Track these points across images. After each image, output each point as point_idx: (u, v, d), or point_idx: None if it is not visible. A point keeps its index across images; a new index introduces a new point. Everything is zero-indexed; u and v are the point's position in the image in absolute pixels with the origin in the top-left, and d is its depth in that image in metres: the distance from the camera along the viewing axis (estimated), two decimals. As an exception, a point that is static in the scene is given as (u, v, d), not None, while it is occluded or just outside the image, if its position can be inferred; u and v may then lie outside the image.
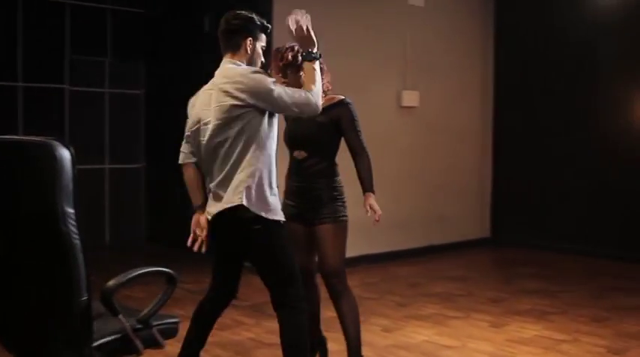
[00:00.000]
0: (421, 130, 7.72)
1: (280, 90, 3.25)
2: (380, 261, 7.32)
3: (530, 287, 6.22)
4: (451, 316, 5.31)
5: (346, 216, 3.86)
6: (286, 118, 3.86)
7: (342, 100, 3.83)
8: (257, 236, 3.32)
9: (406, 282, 6.53)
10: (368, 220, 6.56)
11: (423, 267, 7.18)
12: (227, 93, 3.23)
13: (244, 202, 3.25)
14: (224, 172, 3.31)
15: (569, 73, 7.72)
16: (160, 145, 7.99)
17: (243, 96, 3.21)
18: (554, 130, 7.83)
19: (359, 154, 3.81)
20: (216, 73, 3.40)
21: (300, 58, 3.55)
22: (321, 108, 3.36)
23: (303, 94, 3.28)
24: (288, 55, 3.70)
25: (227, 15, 3.44)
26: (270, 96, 3.22)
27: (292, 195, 3.83)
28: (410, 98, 7.54)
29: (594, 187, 7.51)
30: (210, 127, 3.30)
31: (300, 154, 3.80)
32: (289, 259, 3.40)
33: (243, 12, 3.43)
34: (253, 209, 3.26)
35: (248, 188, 3.27)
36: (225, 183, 3.31)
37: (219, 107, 3.25)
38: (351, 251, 6.82)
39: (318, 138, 3.79)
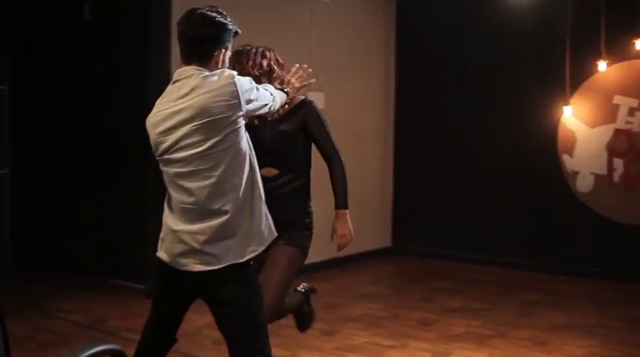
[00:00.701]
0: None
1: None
2: (320, 270, 6.73)
3: (454, 305, 5.88)
4: (386, 346, 4.84)
5: (308, 249, 3.29)
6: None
7: (304, 100, 3.30)
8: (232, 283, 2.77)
9: (323, 303, 5.95)
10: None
11: (333, 284, 6.64)
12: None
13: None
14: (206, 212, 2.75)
15: (475, 76, 7.47)
16: (29, 149, 6.95)
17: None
18: (457, 135, 7.56)
19: (333, 161, 3.33)
20: (181, 84, 2.75)
21: (274, 66, 3.26)
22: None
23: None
24: (262, 63, 3.11)
25: (193, 15, 2.78)
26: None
27: None
28: (315, 100, 6.97)
29: (497, 194, 7.32)
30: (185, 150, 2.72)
31: (269, 172, 3.17)
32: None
33: (214, 13, 2.79)
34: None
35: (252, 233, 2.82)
36: (213, 224, 2.74)
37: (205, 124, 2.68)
38: None
39: (288, 150, 3.21)
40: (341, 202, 3.31)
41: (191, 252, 2.74)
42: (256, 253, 2.78)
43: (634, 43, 6.49)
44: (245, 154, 2.75)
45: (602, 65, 6.66)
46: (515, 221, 7.25)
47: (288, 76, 3.31)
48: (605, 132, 6.76)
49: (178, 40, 2.83)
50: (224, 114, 2.66)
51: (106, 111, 6.57)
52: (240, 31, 2.88)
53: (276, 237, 3.00)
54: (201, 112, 2.66)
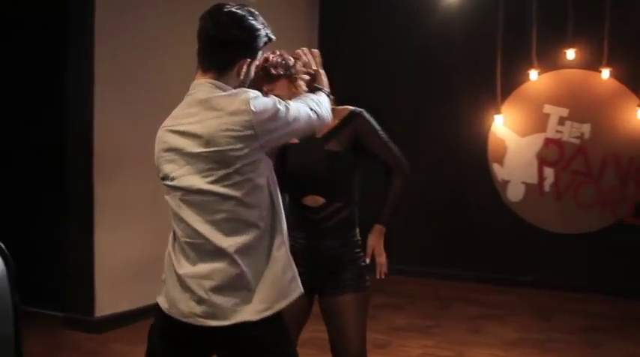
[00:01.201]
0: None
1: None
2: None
3: (399, 323, 5.63)
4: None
5: (369, 279, 2.90)
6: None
7: (352, 111, 2.84)
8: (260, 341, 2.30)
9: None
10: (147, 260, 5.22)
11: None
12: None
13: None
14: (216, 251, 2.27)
15: (404, 86, 7.28)
16: None
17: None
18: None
19: (394, 170, 2.86)
20: (192, 100, 2.31)
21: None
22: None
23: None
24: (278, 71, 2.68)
25: (220, 11, 2.31)
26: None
27: (294, 257, 2.76)
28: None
29: (428, 204, 7.14)
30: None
31: (314, 201, 2.73)
32: None
33: (245, 13, 2.32)
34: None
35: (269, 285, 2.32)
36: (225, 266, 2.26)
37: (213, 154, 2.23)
38: (140, 300, 5.70)
39: (336, 173, 2.76)
40: (385, 216, 2.86)
41: (195, 300, 2.28)
42: (272, 312, 2.27)
43: (565, 53, 6.50)
44: (263, 190, 2.29)
45: (533, 74, 6.63)
46: (446, 231, 7.11)
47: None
48: (536, 141, 6.74)
49: (198, 39, 2.37)
50: (232, 146, 2.18)
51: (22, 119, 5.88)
52: (274, 38, 2.42)
53: (335, 280, 2.66)
54: (209, 139, 2.20)
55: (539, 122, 6.72)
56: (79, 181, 5.24)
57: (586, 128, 6.57)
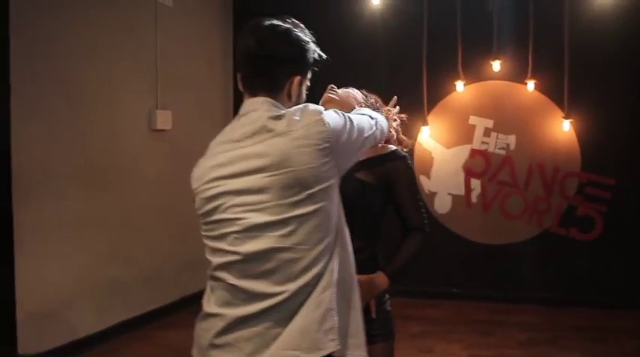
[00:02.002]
0: (172, 158, 6.31)
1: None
2: (140, 326, 5.78)
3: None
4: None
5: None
6: None
7: (395, 151, 2.56)
8: None
9: None
10: (123, 277, 5.11)
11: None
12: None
13: (337, 345, 1.95)
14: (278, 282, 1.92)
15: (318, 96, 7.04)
16: None
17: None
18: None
19: (415, 232, 2.59)
20: (247, 119, 2.01)
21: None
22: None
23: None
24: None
25: (260, 27, 2.02)
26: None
27: None
28: (163, 119, 6.09)
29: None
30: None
31: None
32: None
33: (290, 26, 2.05)
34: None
35: (331, 312, 1.95)
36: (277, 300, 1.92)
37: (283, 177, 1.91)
38: (105, 320, 5.31)
39: (362, 207, 2.47)
40: (392, 269, 2.55)
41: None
42: None
43: (490, 64, 6.53)
44: (331, 220, 1.98)
45: (459, 85, 6.61)
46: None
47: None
48: (462, 152, 6.73)
49: (239, 61, 2.05)
50: (311, 165, 1.89)
51: None
52: (325, 57, 2.13)
53: None
54: (279, 160, 1.89)
55: (465, 134, 6.71)
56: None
57: (511, 139, 6.62)
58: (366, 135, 2.09)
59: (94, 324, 5.32)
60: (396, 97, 2.72)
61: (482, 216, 6.70)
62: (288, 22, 2.05)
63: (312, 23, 7.25)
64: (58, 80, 4.95)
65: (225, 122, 7.12)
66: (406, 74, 6.75)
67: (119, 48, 5.57)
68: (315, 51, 2.08)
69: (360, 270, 2.42)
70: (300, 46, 2.03)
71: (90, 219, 5.27)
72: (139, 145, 5.87)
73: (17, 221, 4.62)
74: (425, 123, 6.70)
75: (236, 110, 6.99)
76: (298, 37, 2.03)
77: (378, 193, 2.52)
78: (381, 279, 2.53)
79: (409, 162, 2.60)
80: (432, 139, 6.75)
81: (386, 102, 2.72)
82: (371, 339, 2.42)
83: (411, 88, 6.69)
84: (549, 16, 6.42)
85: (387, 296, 2.63)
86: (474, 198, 6.72)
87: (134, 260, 5.81)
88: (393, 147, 2.59)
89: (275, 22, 2.03)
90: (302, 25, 2.10)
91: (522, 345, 5.40)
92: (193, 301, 6.43)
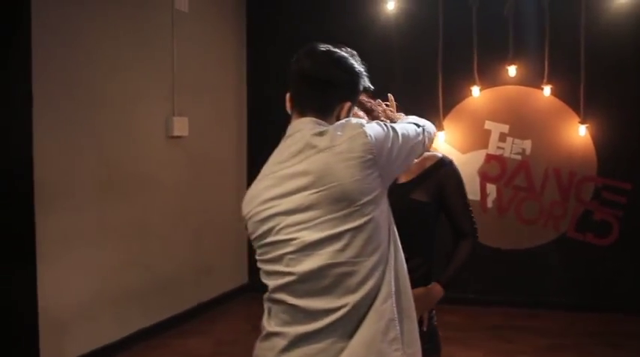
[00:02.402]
0: (189, 164, 6.30)
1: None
2: (159, 334, 5.76)
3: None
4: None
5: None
6: None
7: (442, 159, 2.55)
8: None
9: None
10: (141, 285, 5.03)
11: (215, 339, 5.82)
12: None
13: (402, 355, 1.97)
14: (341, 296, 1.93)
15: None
16: None
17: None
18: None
19: (466, 238, 2.57)
20: (293, 140, 2.02)
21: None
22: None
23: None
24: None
25: (316, 51, 2.07)
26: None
27: None
28: (180, 126, 6.07)
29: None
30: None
31: None
32: None
33: (346, 54, 2.09)
34: None
35: (394, 322, 1.97)
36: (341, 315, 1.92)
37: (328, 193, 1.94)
38: (125, 328, 5.31)
39: (419, 226, 2.45)
40: (447, 277, 2.53)
41: None
42: None
43: (506, 70, 6.52)
44: (382, 231, 1.97)
45: (474, 90, 6.60)
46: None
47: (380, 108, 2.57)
48: (477, 157, 6.72)
49: (292, 81, 2.07)
50: (356, 177, 1.90)
51: None
52: (372, 88, 2.17)
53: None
54: (324, 175, 1.91)
55: (481, 139, 6.70)
56: (16, 214, 4.58)
57: (527, 144, 6.61)
58: (412, 143, 2.10)
59: (113, 332, 5.31)
60: (390, 95, 2.69)
61: (498, 221, 6.69)
62: (343, 50, 2.09)
63: (328, 28, 7.34)
64: (78, 89, 4.93)
65: (240, 128, 7.22)
66: (422, 79, 6.74)
67: (137, 55, 5.56)
68: (365, 80, 2.11)
69: (420, 284, 2.42)
70: (355, 74, 2.07)
71: (109, 227, 5.25)
72: (157, 153, 5.85)
73: (39, 231, 4.60)
74: (440, 128, 6.69)
75: (250, 116, 7.06)
76: (353, 65, 2.07)
77: (431, 207, 2.51)
78: (437, 290, 2.52)
79: (455, 166, 2.58)
80: (447, 144, 6.74)
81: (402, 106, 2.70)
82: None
83: (427, 92, 6.68)
84: (565, 21, 6.41)
85: (434, 311, 2.61)
86: (489, 203, 6.71)
87: (152, 268, 5.79)
88: (438, 154, 2.57)
89: (332, 48, 2.07)
90: (355, 53, 2.13)
91: (543, 351, 5.39)
92: (209, 308, 6.46)
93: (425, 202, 2.49)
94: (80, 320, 4.96)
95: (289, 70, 2.09)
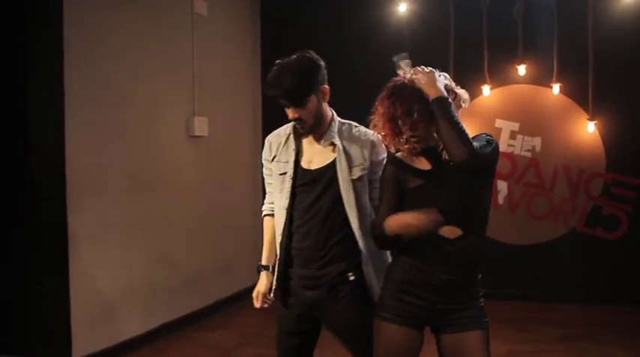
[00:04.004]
0: (209, 164, 6.45)
1: None
2: (181, 328, 5.89)
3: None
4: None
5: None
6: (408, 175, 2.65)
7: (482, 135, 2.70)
8: None
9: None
10: (165, 281, 5.79)
11: (238, 332, 5.96)
12: None
13: None
14: None
15: (340, 100, 7.19)
16: None
17: None
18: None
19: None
20: None
21: None
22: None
23: None
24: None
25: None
26: None
27: (421, 289, 2.61)
28: (200, 126, 6.22)
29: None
30: None
31: (451, 232, 2.54)
32: None
33: None
34: None
35: None
36: None
37: None
38: (150, 322, 5.42)
39: (477, 205, 2.60)
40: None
41: None
42: None
43: (516, 69, 6.69)
44: None
45: (486, 89, 6.77)
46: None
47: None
48: (488, 155, 6.87)
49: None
50: None
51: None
52: None
53: (460, 316, 2.61)
54: None
55: (492, 136, 6.85)
56: (48, 210, 4.72)
57: (537, 141, 6.78)
58: None
59: (139, 326, 5.44)
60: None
61: (510, 217, 6.85)
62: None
63: (342, 30, 7.46)
64: (107, 90, 5.08)
65: (255, 128, 7.37)
66: (433, 79, 6.88)
67: (160, 57, 5.71)
68: None
69: (473, 261, 2.58)
70: None
71: (135, 224, 5.39)
72: (179, 152, 6.00)
73: (71, 228, 4.74)
74: (452, 126, 6.83)
75: (264, 116, 7.17)
76: None
77: (487, 189, 2.75)
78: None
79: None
80: (458, 142, 6.88)
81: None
82: (468, 326, 2.58)
83: (439, 92, 6.82)
84: (573, 21, 6.59)
85: (482, 291, 2.75)
86: (500, 200, 6.87)
87: (175, 264, 5.93)
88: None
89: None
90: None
91: (559, 340, 5.54)
92: (228, 304, 6.59)
93: (481, 183, 2.67)
94: (109, 314, 5.09)
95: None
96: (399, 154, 2.69)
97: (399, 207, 2.61)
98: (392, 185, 2.65)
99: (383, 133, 2.67)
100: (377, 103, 2.66)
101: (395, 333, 2.61)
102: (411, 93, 2.59)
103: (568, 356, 5.15)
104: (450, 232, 2.57)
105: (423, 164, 2.65)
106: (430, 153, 2.64)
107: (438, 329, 2.69)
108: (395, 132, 2.61)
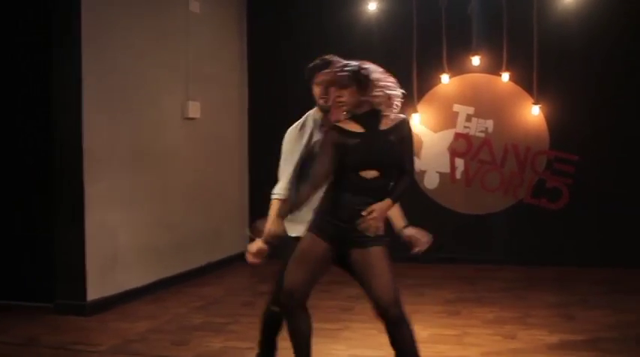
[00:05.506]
0: (201, 142, 7.37)
1: None
2: (175, 284, 6.80)
3: (356, 292, 6.41)
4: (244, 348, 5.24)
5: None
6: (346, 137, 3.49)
7: (404, 118, 3.58)
8: None
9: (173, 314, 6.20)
10: (162, 242, 6.78)
11: (225, 287, 6.88)
12: None
13: None
14: None
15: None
16: None
17: None
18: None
19: (406, 174, 3.54)
20: None
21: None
22: None
23: None
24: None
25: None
26: None
27: (343, 214, 3.48)
28: (194, 109, 7.14)
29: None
30: None
31: (370, 174, 3.45)
32: None
33: None
34: None
35: None
36: None
37: None
38: (149, 276, 6.30)
39: (394, 158, 3.49)
40: (394, 196, 3.47)
41: None
42: None
43: (471, 59, 7.63)
44: None
45: (444, 78, 7.71)
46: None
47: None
48: (447, 136, 7.82)
49: None
50: None
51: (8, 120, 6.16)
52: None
53: (364, 238, 3.44)
54: None
55: (450, 119, 7.81)
56: (68, 176, 5.65)
57: (489, 124, 7.72)
58: None
59: (140, 279, 6.33)
60: None
61: (466, 190, 7.79)
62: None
63: (321, 27, 8.42)
64: (117, 75, 6.01)
65: (242, 112, 8.37)
66: (398, 69, 7.57)
67: (160, 48, 6.63)
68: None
69: (387, 193, 3.47)
70: None
71: (139, 191, 6.31)
72: (176, 131, 6.92)
73: (87, 192, 5.65)
74: (415, 111, 7.78)
75: (251, 102, 8.18)
76: None
77: (399, 146, 3.55)
78: (388, 203, 3.51)
79: (410, 121, 3.72)
80: (421, 124, 7.83)
81: None
82: (371, 243, 3.46)
83: (403, 80, 7.53)
84: (520, 17, 7.53)
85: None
86: (458, 175, 7.81)
87: (172, 227, 6.84)
88: (401, 115, 3.58)
89: None
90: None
91: (501, 290, 6.47)
92: (217, 268, 7.49)
93: (396, 141, 3.48)
94: (115, 266, 6.00)
95: None
96: (338, 123, 3.55)
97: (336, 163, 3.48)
98: (332, 147, 3.49)
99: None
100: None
101: (313, 241, 3.51)
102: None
103: (504, 302, 6.06)
104: (367, 174, 3.44)
105: (357, 128, 3.49)
106: (361, 120, 3.50)
107: (347, 246, 3.50)
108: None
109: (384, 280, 3.44)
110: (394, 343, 3.49)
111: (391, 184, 3.52)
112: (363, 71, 3.51)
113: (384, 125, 3.50)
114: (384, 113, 3.49)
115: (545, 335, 4.97)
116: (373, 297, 3.46)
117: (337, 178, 3.51)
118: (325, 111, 3.77)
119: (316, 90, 3.83)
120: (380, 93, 3.47)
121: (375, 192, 3.45)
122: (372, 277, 3.45)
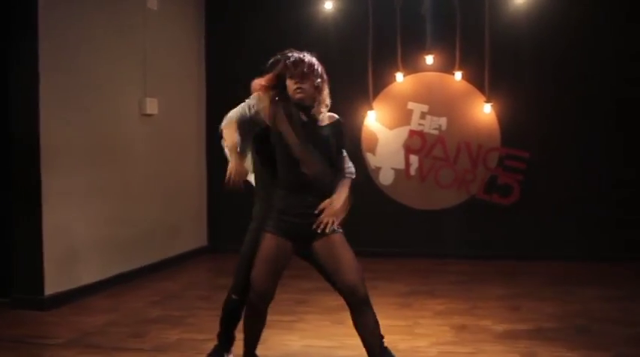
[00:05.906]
0: (159, 138, 7.43)
1: None
2: (135, 278, 6.86)
3: (309, 286, 6.54)
4: (201, 339, 5.37)
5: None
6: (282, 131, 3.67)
7: (338, 118, 3.78)
8: None
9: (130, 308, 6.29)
10: (121, 236, 6.77)
11: (184, 282, 6.96)
12: None
13: None
14: None
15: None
16: None
17: None
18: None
19: (337, 172, 3.76)
20: None
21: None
22: None
23: None
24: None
25: None
26: None
27: (296, 210, 3.61)
28: (151, 106, 7.19)
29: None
30: None
31: (310, 169, 3.60)
32: None
33: None
34: None
35: None
36: None
37: None
38: (108, 271, 6.35)
39: (329, 152, 3.65)
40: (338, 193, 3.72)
41: None
42: None
43: (424, 58, 7.82)
44: None
45: (399, 76, 7.89)
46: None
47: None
48: (402, 133, 8.00)
49: None
50: None
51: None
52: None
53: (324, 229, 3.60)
54: None
55: (405, 117, 7.99)
56: (25, 171, 5.68)
57: (443, 121, 7.92)
58: None
59: (98, 273, 6.38)
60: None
61: (420, 186, 7.98)
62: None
63: (276, 25, 8.55)
64: (74, 72, 6.04)
65: (200, 108, 8.48)
66: (354, 67, 7.99)
67: (117, 45, 6.68)
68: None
69: (333, 186, 3.62)
70: None
71: (96, 186, 6.35)
72: (133, 127, 6.97)
73: (44, 187, 5.69)
74: (371, 108, 7.95)
75: (209, 100, 8.27)
76: None
77: (335, 144, 3.77)
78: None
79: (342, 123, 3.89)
80: (376, 121, 8.00)
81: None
82: (328, 233, 3.63)
83: (359, 78, 7.93)
84: (472, 18, 7.74)
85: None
86: (412, 171, 7.99)
87: (129, 222, 6.89)
88: (335, 115, 3.81)
89: None
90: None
91: (452, 283, 6.68)
92: (175, 263, 7.56)
93: (331, 136, 3.67)
94: (73, 261, 6.05)
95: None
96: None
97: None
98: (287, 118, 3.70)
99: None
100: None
101: (274, 240, 3.66)
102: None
103: (454, 294, 6.25)
104: (308, 169, 3.59)
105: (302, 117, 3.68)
106: (305, 111, 3.66)
107: (306, 241, 3.67)
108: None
109: (350, 262, 3.63)
110: (359, 327, 3.68)
111: (331, 180, 3.68)
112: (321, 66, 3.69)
113: (322, 122, 3.68)
114: (321, 110, 3.66)
115: (491, 325, 5.17)
116: (341, 280, 3.63)
117: (281, 175, 3.69)
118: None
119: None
120: (326, 90, 3.64)
121: (318, 190, 3.62)
122: (338, 261, 3.62)
